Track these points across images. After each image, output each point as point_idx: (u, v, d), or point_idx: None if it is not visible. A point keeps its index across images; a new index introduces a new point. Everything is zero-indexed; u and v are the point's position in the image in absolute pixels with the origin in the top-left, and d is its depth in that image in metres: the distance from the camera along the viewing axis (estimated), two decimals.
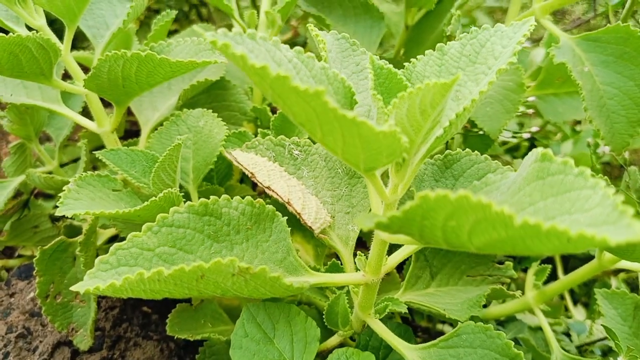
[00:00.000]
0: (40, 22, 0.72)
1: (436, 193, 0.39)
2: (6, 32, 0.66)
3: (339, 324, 0.71)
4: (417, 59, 0.57)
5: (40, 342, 0.79)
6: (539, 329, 1.02)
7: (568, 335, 1.08)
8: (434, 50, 0.58)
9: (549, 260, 1.09)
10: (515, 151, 1.21)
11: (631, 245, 0.70)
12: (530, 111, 0.96)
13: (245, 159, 0.72)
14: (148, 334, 0.84)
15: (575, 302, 1.27)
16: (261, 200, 0.59)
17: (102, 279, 0.51)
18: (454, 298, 0.75)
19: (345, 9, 1.00)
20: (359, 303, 0.66)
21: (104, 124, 0.78)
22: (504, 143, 1.34)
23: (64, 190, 0.61)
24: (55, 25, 0.77)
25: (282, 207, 0.66)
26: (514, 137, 1.01)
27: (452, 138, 1.04)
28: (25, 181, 0.90)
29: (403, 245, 0.63)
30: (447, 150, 0.68)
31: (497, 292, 0.74)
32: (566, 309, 1.23)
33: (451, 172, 0.67)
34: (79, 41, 1.26)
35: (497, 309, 0.91)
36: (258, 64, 0.39)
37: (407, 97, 0.46)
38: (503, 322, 0.97)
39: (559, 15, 1.59)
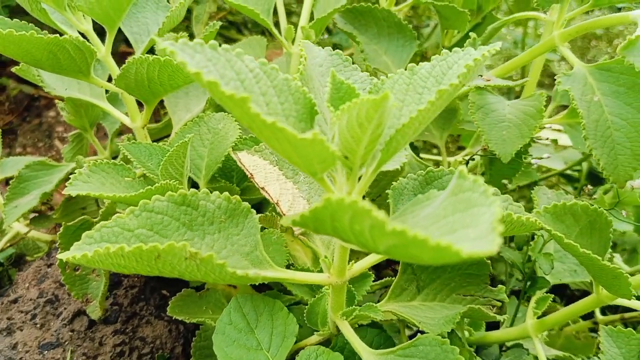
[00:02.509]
0: (87, 26, 0.82)
1: (337, 197, 0.42)
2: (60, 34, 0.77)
3: (318, 324, 0.75)
4: (387, 76, 0.60)
5: (65, 308, 0.89)
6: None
7: None
8: None
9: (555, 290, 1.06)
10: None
11: (616, 280, 0.69)
12: (547, 139, 0.95)
13: (248, 161, 0.78)
14: (161, 315, 0.92)
15: None
16: (237, 197, 0.64)
17: (85, 250, 0.59)
18: (435, 313, 0.76)
19: (380, 28, 1.04)
20: (330, 305, 0.70)
21: (136, 120, 0.87)
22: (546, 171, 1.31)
23: (76, 172, 0.69)
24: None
25: None
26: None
27: (471, 159, 1.05)
28: (77, 167, 1.01)
29: None
30: (429, 168, 0.70)
31: (475, 312, 0.75)
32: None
33: (431, 187, 0.69)
34: None
35: (497, 335, 0.91)
36: (194, 69, 0.45)
37: (347, 110, 0.50)
38: (508, 348, 0.96)
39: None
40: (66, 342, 0.86)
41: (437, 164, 1.17)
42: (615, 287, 0.71)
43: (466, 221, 0.43)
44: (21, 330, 0.87)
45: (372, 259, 0.66)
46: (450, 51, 0.60)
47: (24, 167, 1.01)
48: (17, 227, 1.05)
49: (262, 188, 0.75)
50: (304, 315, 0.76)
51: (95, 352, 0.86)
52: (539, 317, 0.86)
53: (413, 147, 1.08)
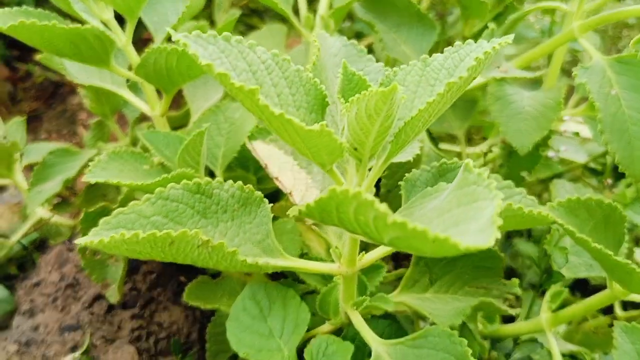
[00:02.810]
0: (108, 15, 0.84)
1: (342, 188, 0.43)
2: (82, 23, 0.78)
3: (330, 313, 0.76)
4: (400, 68, 0.60)
5: (85, 292, 0.91)
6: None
7: None
8: None
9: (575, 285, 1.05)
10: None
11: (629, 276, 0.69)
12: (563, 129, 0.94)
13: (263, 150, 0.79)
14: (178, 300, 0.94)
15: None
16: (251, 186, 0.65)
17: (102, 236, 0.60)
18: (446, 305, 0.76)
19: (401, 17, 1.04)
20: (342, 294, 0.70)
21: (155, 108, 0.88)
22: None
23: (94, 159, 0.71)
24: None
25: None
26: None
27: (490, 151, 1.04)
28: (97, 154, 1.03)
29: None
30: (443, 160, 0.70)
31: (487, 305, 0.75)
32: None
33: (445, 180, 0.69)
34: None
35: (511, 328, 0.90)
36: (206, 61, 0.46)
37: (356, 101, 0.50)
38: (523, 341, 0.96)
39: None
40: (86, 325, 0.88)
41: (458, 155, 1.17)
42: (628, 283, 0.70)
43: (469, 214, 0.43)
44: (43, 312, 0.89)
45: (383, 250, 0.67)
46: (471, 41, 0.60)
47: (48, 153, 1.04)
48: (41, 212, 1.08)
49: (276, 178, 0.76)
50: (317, 304, 0.77)
51: (114, 336, 0.88)
52: (554, 311, 0.86)
53: (432, 138, 1.08)
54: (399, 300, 0.77)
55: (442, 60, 0.60)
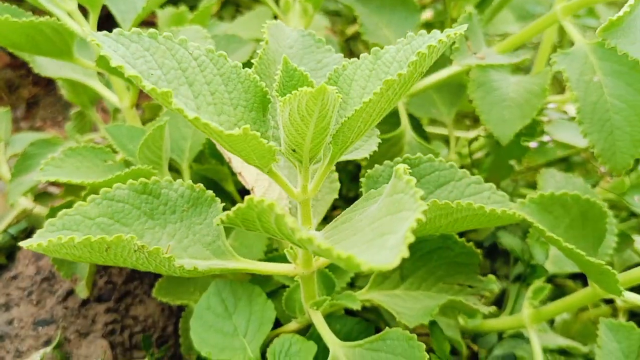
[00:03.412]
0: (72, 6, 0.81)
1: (258, 199, 0.40)
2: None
3: (296, 311, 0.74)
4: (350, 61, 0.57)
5: (61, 286, 0.91)
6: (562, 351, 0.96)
7: None
8: None
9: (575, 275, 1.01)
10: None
11: (603, 276, 0.65)
12: (545, 119, 0.89)
13: None
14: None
15: None
16: (201, 185, 0.63)
17: (46, 238, 0.59)
18: (417, 303, 0.74)
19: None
20: (302, 294, 0.68)
21: (124, 100, 0.86)
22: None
23: (48, 157, 0.69)
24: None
25: None
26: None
27: (476, 139, 1.00)
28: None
29: None
30: (406, 155, 0.67)
31: (456, 304, 0.72)
32: None
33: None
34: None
35: (493, 323, 0.87)
36: (116, 63, 0.43)
37: (288, 102, 0.47)
38: (505, 337, 0.92)
39: None
40: (60, 319, 0.88)
41: (446, 140, 1.13)
42: (603, 283, 0.67)
43: (393, 225, 0.40)
44: (18, 306, 0.89)
45: None
46: (424, 32, 0.56)
47: (29, 144, 1.03)
48: (24, 203, 1.07)
49: (239, 173, 0.73)
50: (283, 302, 0.75)
51: (88, 329, 0.87)
52: (536, 307, 0.82)
53: (416, 126, 1.04)
54: (367, 297, 0.74)
55: (394, 52, 0.56)
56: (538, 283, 0.83)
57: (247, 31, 1.12)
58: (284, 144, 0.51)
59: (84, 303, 0.90)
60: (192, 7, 1.17)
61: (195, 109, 0.50)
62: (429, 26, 1.14)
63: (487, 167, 0.94)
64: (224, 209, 0.95)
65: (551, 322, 1.10)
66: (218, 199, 0.63)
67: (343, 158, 0.61)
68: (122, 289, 0.92)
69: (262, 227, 0.45)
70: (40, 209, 1.07)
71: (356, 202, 0.56)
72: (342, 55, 0.66)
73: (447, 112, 1.05)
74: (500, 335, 0.94)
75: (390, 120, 1.00)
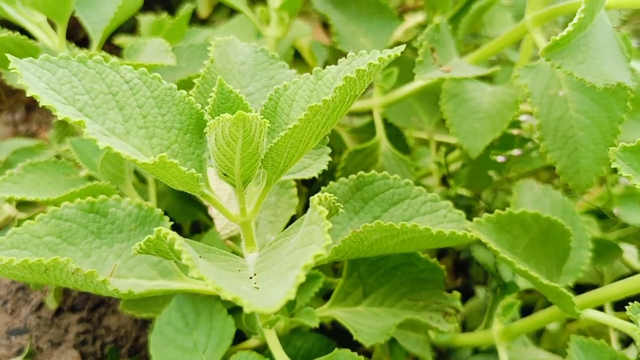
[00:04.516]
0: (40, 18, 0.82)
1: (158, 230, 0.40)
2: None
3: (256, 328, 0.73)
4: (292, 82, 0.56)
5: (35, 295, 0.92)
6: None
7: None
8: None
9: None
10: None
11: (560, 299, 0.63)
12: (515, 131, 0.87)
13: None
14: None
15: None
16: (150, 203, 0.62)
17: None
18: (377, 321, 0.73)
19: (360, 7, 0.98)
20: (257, 313, 0.68)
21: None
22: None
23: (6, 173, 0.70)
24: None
25: None
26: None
27: (452, 149, 0.98)
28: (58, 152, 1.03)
29: None
30: (360, 172, 0.66)
31: (415, 322, 0.71)
32: None
33: (361, 194, 0.65)
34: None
35: (465, 338, 0.86)
36: (32, 92, 0.43)
37: (212, 127, 0.47)
38: (484, 352, 0.91)
39: None
40: (33, 329, 0.88)
41: (426, 144, 1.11)
42: (560, 305, 0.65)
43: (300, 258, 0.39)
44: None
45: None
46: (364, 52, 0.55)
47: (11, 152, 1.04)
48: (8, 211, 1.08)
49: None
50: (243, 318, 0.74)
51: (60, 339, 0.88)
52: (506, 324, 0.81)
53: (397, 134, 1.02)
54: (328, 314, 0.74)
55: (335, 72, 0.55)
56: (509, 299, 0.82)
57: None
58: (215, 168, 0.51)
59: (58, 312, 0.90)
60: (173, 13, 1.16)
61: (125, 133, 0.49)
62: (409, 34, 1.12)
63: (462, 178, 0.92)
64: (198, 222, 0.96)
65: (539, 334, 1.08)
66: (166, 218, 0.63)
67: (288, 177, 0.60)
68: (96, 298, 0.92)
69: (175, 256, 0.44)
70: (23, 216, 1.08)
71: (291, 225, 0.55)
72: (295, 71, 0.65)
73: (428, 121, 1.04)
74: (477, 350, 0.92)
75: (370, 130, 0.99)
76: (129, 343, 0.90)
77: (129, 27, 1.22)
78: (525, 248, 0.66)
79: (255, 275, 0.45)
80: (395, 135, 1.04)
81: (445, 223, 0.64)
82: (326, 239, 0.38)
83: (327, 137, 0.64)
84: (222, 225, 0.69)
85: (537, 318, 0.77)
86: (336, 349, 0.62)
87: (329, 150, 0.63)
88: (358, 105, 1.00)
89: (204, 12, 1.44)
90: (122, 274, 0.60)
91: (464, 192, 1.03)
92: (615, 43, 0.60)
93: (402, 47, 0.51)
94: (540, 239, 0.67)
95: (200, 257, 0.47)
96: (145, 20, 1.09)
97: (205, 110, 0.52)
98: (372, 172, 0.65)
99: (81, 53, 0.77)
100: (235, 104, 0.52)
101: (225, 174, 0.50)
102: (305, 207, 0.74)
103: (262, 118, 0.46)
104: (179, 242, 0.38)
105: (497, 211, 0.65)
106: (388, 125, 1.02)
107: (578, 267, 0.82)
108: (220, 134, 0.46)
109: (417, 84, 0.91)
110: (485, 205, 1.01)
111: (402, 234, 0.57)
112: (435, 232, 0.57)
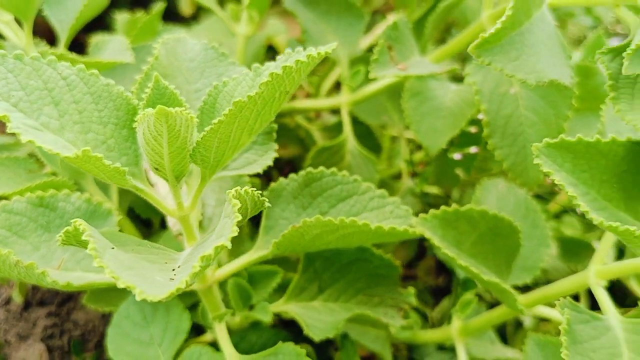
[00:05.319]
0: (7, 17, 0.83)
1: (79, 223, 0.41)
2: None
3: (209, 323, 0.74)
4: (232, 78, 0.57)
5: (5, 290, 0.93)
6: None
7: None
8: None
9: None
10: None
11: (503, 295, 0.64)
12: (473, 129, 0.87)
13: None
14: None
15: None
16: (99, 198, 0.63)
17: None
18: (331, 316, 0.73)
19: (330, 5, 0.99)
20: (207, 307, 0.69)
21: None
22: None
23: None
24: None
25: None
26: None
27: (421, 147, 0.99)
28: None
29: None
30: (309, 168, 0.67)
31: (364, 317, 0.71)
32: None
33: (309, 190, 0.66)
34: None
35: (426, 335, 0.86)
36: None
37: (140, 122, 0.48)
38: (449, 349, 0.91)
39: None
40: (2, 322, 0.90)
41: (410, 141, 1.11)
42: (504, 300, 0.65)
43: (205, 250, 0.40)
44: None
45: (232, 267, 0.65)
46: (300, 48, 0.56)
47: None
48: None
49: (156, 184, 0.74)
50: (198, 312, 0.75)
51: (28, 333, 0.90)
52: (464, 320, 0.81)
53: (367, 132, 1.03)
54: (283, 309, 0.74)
55: (273, 69, 0.56)
56: (467, 296, 0.82)
57: (200, 36, 1.12)
58: (147, 162, 0.52)
59: (27, 307, 0.92)
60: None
61: (59, 128, 0.50)
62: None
63: (428, 175, 0.93)
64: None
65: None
66: (114, 212, 0.64)
67: (232, 173, 0.61)
68: (65, 293, 0.94)
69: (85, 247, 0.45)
70: None
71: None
72: (244, 68, 0.66)
73: (399, 118, 1.04)
74: (442, 347, 0.93)
75: (340, 128, 0.99)
76: (96, 337, 0.91)
77: (106, 25, 1.23)
78: (472, 244, 0.67)
79: (179, 267, 0.46)
80: (366, 133, 1.04)
81: (392, 219, 0.65)
82: (233, 231, 0.39)
83: (274, 134, 0.65)
84: (173, 221, 0.70)
85: (494, 314, 0.77)
86: (280, 342, 0.63)
87: (276, 147, 0.64)
88: (327, 103, 1.01)
89: (187, 10, 1.46)
90: (69, 267, 0.61)
91: (434, 190, 1.04)
92: (557, 41, 0.60)
93: (334, 45, 0.52)
94: (488, 235, 0.67)
95: (130, 250, 0.48)
96: (121, 18, 1.11)
97: (140, 107, 0.53)
98: (321, 168, 0.66)
99: (45, 49, 0.79)
100: (170, 100, 0.53)
101: (157, 169, 0.51)
102: None
103: (189, 113, 0.47)
104: (87, 234, 0.39)
105: (442, 207, 0.66)
106: (359, 124, 1.02)
107: (537, 264, 0.83)
108: (147, 129, 0.47)
109: (383, 82, 0.92)
110: (454, 202, 1.02)
111: (341, 228, 0.58)
112: (373, 227, 0.58)
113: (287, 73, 0.48)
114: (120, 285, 0.35)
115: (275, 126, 0.64)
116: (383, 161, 1.13)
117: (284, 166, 1.20)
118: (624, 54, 0.47)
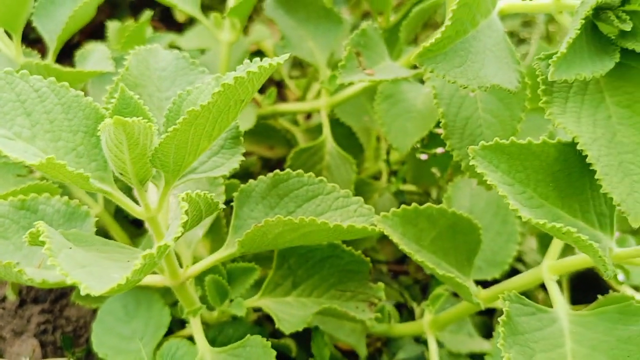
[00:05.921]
0: None
1: (39, 224, 0.45)
2: None
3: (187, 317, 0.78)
4: (195, 87, 0.60)
5: (2, 287, 0.98)
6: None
7: None
8: None
9: None
10: None
11: (459, 288, 0.67)
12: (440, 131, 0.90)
13: None
14: None
15: None
16: (78, 201, 0.68)
17: None
18: (303, 310, 0.77)
19: (309, 12, 1.02)
20: (182, 303, 0.72)
21: None
22: None
23: None
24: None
25: None
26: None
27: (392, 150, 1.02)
28: None
29: None
30: (276, 170, 0.70)
31: (333, 311, 0.75)
32: None
33: (277, 191, 0.70)
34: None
35: (400, 328, 0.90)
36: None
37: (102, 130, 0.51)
38: (421, 341, 0.95)
39: None
40: None
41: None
42: (462, 295, 0.68)
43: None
44: None
45: (205, 263, 0.68)
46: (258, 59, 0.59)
47: None
48: None
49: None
50: (178, 307, 0.79)
51: (22, 329, 0.94)
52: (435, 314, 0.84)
53: (348, 133, 1.06)
54: (257, 304, 0.78)
55: (226, 79, 0.59)
56: (438, 290, 0.85)
57: (190, 43, 1.17)
58: (112, 168, 0.55)
59: (21, 304, 0.96)
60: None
61: (31, 137, 0.54)
62: None
63: (403, 175, 0.96)
64: None
65: None
66: (92, 214, 0.68)
67: (198, 176, 0.64)
68: (58, 291, 0.98)
69: None
70: None
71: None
72: (214, 76, 0.69)
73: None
74: (418, 340, 0.96)
75: (321, 130, 1.03)
76: (87, 333, 0.96)
77: (101, 33, 1.28)
78: (432, 241, 0.70)
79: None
80: (348, 134, 1.08)
81: (355, 217, 0.68)
82: (177, 232, 0.43)
83: (241, 138, 0.68)
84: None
85: (460, 308, 0.80)
86: (248, 335, 0.67)
87: (243, 150, 0.68)
88: (307, 106, 1.05)
89: (181, 16, 1.49)
90: (49, 266, 0.65)
91: (413, 188, 1.07)
92: (505, 47, 0.63)
93: (286, 56, 0.55)
94: (448, 232, 0.71)
95: (95, 250, 0.52)
96: (112, 27, 1.15)
97: (107, 115, 0.57)
98: (287, 170, 0.70)
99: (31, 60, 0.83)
100: (135, 109, 0.57)
101: (121, 174, 0.55)
102: None
103: (147, 122, 0.51)
104: (45, 235, 0.43)
105: (403, 206, 0.69)
106: (340, 125, 1.06)
107: (506, 260, 0.86)
108: (108, 137, 0.51)
109: (360, 85, 0.95)
110: (432, 201, 1.05)
111: (301, 227, 0.62)
112: (332, 225, 0.61)
113: (239, 83, 0.52)
114: (69, 281, 0.38)
115: (242, 131, 0.67)
116: (369, 160, 1.16)
117: (274, 167, 1.24)
118: (549, 61, 0.50)
